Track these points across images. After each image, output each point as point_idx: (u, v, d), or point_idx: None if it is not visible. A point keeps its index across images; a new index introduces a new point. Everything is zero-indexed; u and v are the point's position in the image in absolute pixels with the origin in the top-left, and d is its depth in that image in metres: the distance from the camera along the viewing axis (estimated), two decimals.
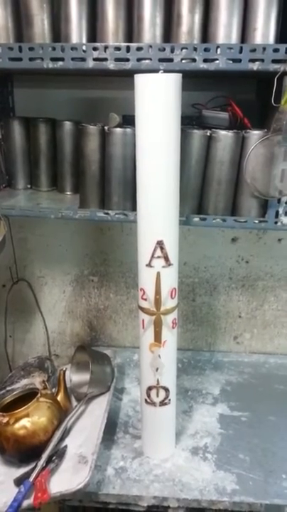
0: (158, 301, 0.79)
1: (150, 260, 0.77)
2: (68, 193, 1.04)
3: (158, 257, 0.76)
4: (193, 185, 0.84)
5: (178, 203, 0.76)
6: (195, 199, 0.86)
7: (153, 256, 0.76)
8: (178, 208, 0.76)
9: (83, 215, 0.86)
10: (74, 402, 1.00)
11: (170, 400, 0.87)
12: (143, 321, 0.82)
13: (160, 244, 0.75)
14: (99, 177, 0.87)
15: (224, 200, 0.85)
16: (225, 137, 0.80)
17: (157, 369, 0.84)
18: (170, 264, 0.77)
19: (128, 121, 0.82)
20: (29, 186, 1.07)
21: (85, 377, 1.01)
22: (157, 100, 0.67)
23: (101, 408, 0.95)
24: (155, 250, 0.76)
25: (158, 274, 0.77)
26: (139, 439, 0.95)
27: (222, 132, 0.80)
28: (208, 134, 0.81)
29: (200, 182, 0.85)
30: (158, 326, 0.81)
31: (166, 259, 0.77)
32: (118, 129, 0.81)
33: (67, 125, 1.00)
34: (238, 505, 0.81)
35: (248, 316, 1.25)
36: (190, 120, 0.88)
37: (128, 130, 0.81)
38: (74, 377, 1.04)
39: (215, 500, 0.81)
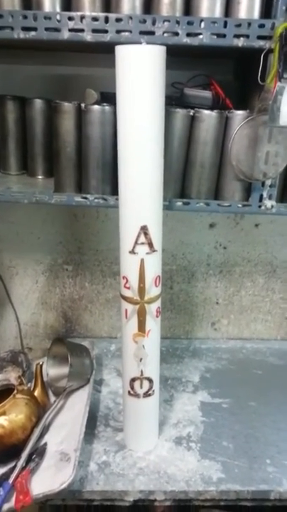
0: (142, 290, 0.76)
1: (134, 247, 0.73)
2: (40, 177, 0.97)
3: (142, 243, 0.72)
4: (176, 168, 0.81)
5: (162, 187, 0.72)
6: (178, 183, 0.83)
7: (136, 242, 0.72)
8: (162, 191, 0.72)
9: (59, 200, 0.80)
10: (52, 397, 0.96)
11: (154, 390, 0.85)
12: (126, 310, 0.78)
13: (144, 230, 0.72)
14: (76, 159, 0.81)
15: (207, 183, 0.82)
16: (209, 117, 0.77)
17: (141, 359, 0.81)
18: (154, 251, 0.74)
19: (107, 98, 0.77)
20: None
21: (63, 370, 0.97)
22: (141, 74, 0.62)
23: (82, 402, 0.92)
24: (138, 236, 0.72)
25: (142, 261, 0.74)
26: (121, 431, 0.93)
27: (206, 112, 0.77)
28: (191, 113, 0.77)
29: (183, 165, 0.81)
30: (142, 315, 0.77)
31: (150, 245, 0.73)
32: (96, 107, 0.76)
33: (38, 103, 0.93)
34: (225, 493, 0.80)
35: (225, 302, 1.25)
36: (170, 100, 0.84)
37: (107, 108, 0.76)
38: (51, 371, 0.99)
39: (202, 491, 0.79)
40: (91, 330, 1.25)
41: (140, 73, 0.62)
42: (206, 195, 0.83)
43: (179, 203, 0.82)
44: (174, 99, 0.84)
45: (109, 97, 0.76)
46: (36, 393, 0.91)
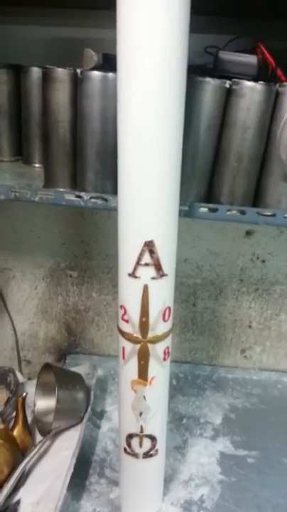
0: (144, 325, 0.56)
1: (135, 268, 0.53)
2: (37, 164, 0.79)
3: (146, 264, 0.52)
4: (201, 161, 0.59)
5: (179, 187, 0.51)
6: (203, 181, 0.61)
7: (138, 262, 0.52)
8: (178, 193, 0.52)
9: (45, 198, 0.61)
10: (38, 437, 0.79)
11: (157, 450, 0.65)
12: (123, 349, 0.59)
13: (149, 247, 0.51)
14: (70, 144, 0.62)
15: (244, 183, 0.60)
16: (252, 91, 0.55)
17: (141, 413, 0.61)
18: (163, 275, 0.54)
19: (112, 62, 0.56)
20: None
21: (53, 402, 0.79)
22: (153, 21, 0.42)
23: (70, 448, 0.74)
24: (141, 254, 0.52)
25: (146, 287, 0.54)
26: (117, 486, 0.74)
27: (248, 84, 0.54)
28: (227, 85, 0.55)
29: (211, 157, 0.59)
30: (143, 358, 0.58)
31: (158, 267, 0.53)
32: (96, 73, 0.56)
33: (35, 72, 0.73)
34: None
35: (260, 327, 1.03)
36: (201, 71, 0.62)
37: (111, 75, 0.56)
38: (40, 402, 0.82)
39: None
40: (97, 346, 1.07)
41: (152, 20, 0.41)
42: (241, 200, 0.61)
43: (203, 209, 0.61)
44: (206, 71, 0.62)
45: (113, 61, 0.55)
46: (16, 432, 0.74)
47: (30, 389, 0.88)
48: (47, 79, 0.60)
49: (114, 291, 1.01)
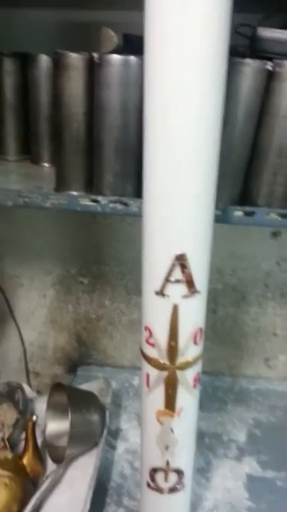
0: (173, 350, 0.48)
1: (163, 286, 0.45)
2: (46, 164, 0.71)
3: (177, 280, 0.45)
4: (237, 156, 0.51)
5: (215, 189, 0.44)
6: (238, 180, 0.53)
7: (167, 279, 0.45)
8: (215, 196, 0.44)
9: (58, 203, 0.54)
10: (50, 464, 0.71)
11: (184, 484, 0.58)
12: (147, 376, 0.52)
13: (181, 261, 0.44)
14: (85, 141, 0.54)
15: (286, 183, 0.52)
16: None
17: (167, 447, 0.54)
18: (195, 292, 0.46)
19: (133, 44, 0.48)
20: None
21: (65, 425, 0.72)
22: None
23: (85, 477, 0.67)
24: (171, 270, 0.44)
25: (176, 307, 0.46)
26: None
27: None
28: (269, 67, 0.47)
29: (248, 152, 0.52)
30: (171, 386, 0.50)
31: (190, 284, 0.45)
32: (116, 56, 0.48)
33: (44, 61, 0.66)
34: None
35: (285, 334, 0.95)
36: (234, 52, 0.54)
37: (133, 59, 0.48)
38: (51, 425, 0.75)
39: None
40: (110, 357, 1.00)
41: None
42: (283, 202, 0.53)
43: (238, 213, 0.53)
44: (239, 51, 0.54)
45: (136, 43, 0.47)
46: (26, 460, 0.67)
47: (40, 406, 0.81)
48: (58, 66, 0.52)
49: (129, 299, 0.94)
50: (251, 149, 0.52)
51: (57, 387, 0.74)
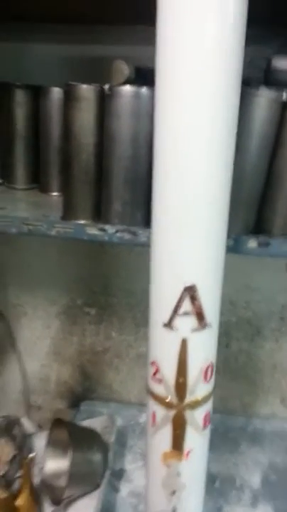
0: (181, 387, 0.46)
1: (172, 318, 0.43)
2: (54, 193, 0.71)
3: (186, 313, 0.43)
4: (250, 186, 0.50)
5: (227, 219, 0.42)
6: (251, 210, 0.52)
7: (176, 311, 0.43)
8: (226, 227, 0.43)
9: (63, 232, 0.53)
10: (47, 506, 0.67)
11: None
12: (153, 414, 0.49)
13: (190, 292, 0.42)
14: (94, 170, 0.54)
15: None
16: None
17: (173, 492, 0.50)
18: (206, 326, 0.44)
19: (145, 76, 0.49)
20: (0, 181, 0.75)
21: (65, 463, 0.69)
22: (202, 26, 0.34)
23: None
24: (180, 302, 0.43)
25: (184, 342, 0.44)
26: None
27: None
28: (284, 98, 0.46)
29: (262, 181, 0.51)
30: (179, 426, 0.47)
31: (200, 316, 0.43)
32: (127, 88, 0.48)
33: (56, 92, 0.67)
34: None
35: None
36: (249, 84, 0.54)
37: (144, 90, 0.48)
38: (51, 463, 0.71)
39: None
40: (116, 392, 0.96)
41: (200, 23, 0.34)
42: None
43: (252, 244, 0.51)
44: (254, 84, 0.54)
45: (147, 75, 0.47)
46: (20, 500, 0.63)
47: (39, 442, 0.77)
48: (69, 97, 0.52)
49: (137, 331, 0.91)
50: (266, 179, 0.51)
51: (58, 423, 0.71)
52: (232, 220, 0.50)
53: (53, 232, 0.52)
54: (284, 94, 0.46)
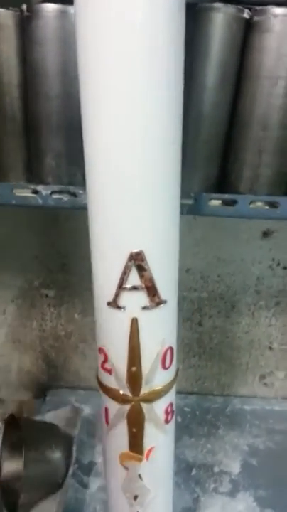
0: (135, 377, 0.37)
1: (117, 295, 0.35)
2: None
3: (133, 287, 0.34)
4: (210, 130, 0.41)
5: (179, 172, 0.33)
6: (213, 161, 0.43)
7: (121, 286, 0.34)
8: (179, 180, 0.34)
9: None
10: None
11: None
12: (105, 410, 0.40)
13: (137, 261, 0.33)
14: (21, 118, 0.43)
15: (274, 162, 0.41)
16: (283, 23, 0.37)
17: (135, 497, 0.43)
18: (160, 302, 0.35)
19: None
20: None
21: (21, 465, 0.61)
22: None
23: None
24: (125, 274, 0.34)
25: (134, 322, 0.35)
26: None
27: (276, 10, 0.36)
28: (246, 15, 0.37)
29: (225, 125, 0.41)
30: (136, 423, 0.39)
31: (151, 291, 0.34)
32: (50, 5, 0.37)
33: None
34: None
35: (283, 348, 0.84)
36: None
37: (72, 9, 0.38)
38: (8, 465, 0.63)
39: None
40: (84, 379, 0.88)
41: None
42: (269, 187, 0.42)
43: (215, 202, 0.42)
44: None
45: None
46: None
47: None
48: None
49: None
50: (229, 121, 0.41)
51: (12, 419, 0.62)
52: (191, 174, 0.41)
53: None
54: (245, 10, 0.36)
